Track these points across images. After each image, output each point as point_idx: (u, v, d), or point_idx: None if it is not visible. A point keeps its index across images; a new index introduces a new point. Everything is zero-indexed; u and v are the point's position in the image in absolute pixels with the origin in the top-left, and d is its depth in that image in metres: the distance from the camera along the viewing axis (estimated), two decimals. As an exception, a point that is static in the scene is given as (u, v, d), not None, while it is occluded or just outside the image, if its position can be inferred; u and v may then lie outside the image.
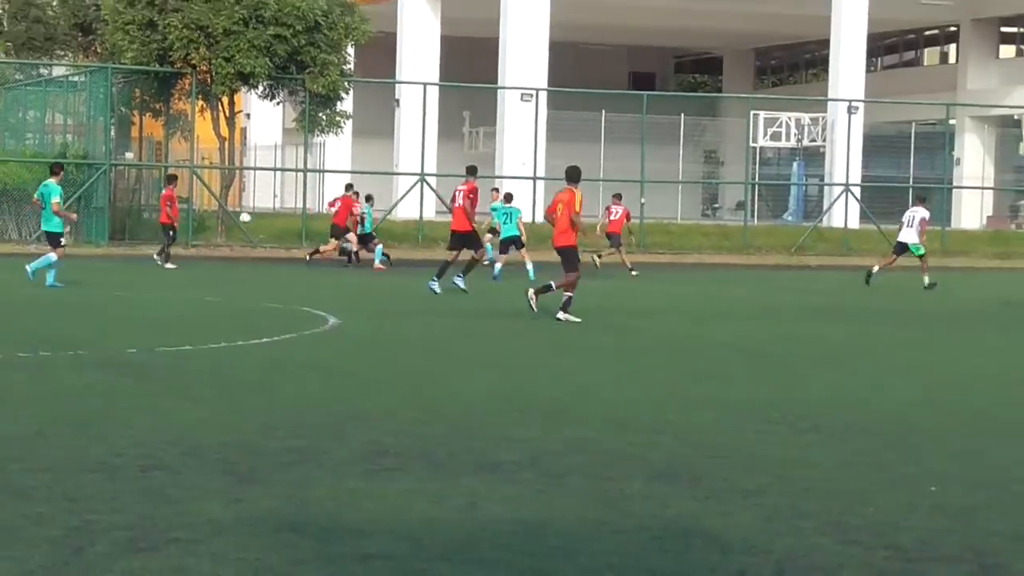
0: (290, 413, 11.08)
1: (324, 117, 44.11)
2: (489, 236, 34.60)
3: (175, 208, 33.05)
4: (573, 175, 19.96)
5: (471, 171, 25.79)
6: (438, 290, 23.77)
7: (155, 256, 32.62)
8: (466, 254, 24.75)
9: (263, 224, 44.81)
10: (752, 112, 53.07)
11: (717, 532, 7.53)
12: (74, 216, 24.43)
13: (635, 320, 20.89)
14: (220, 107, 43.79)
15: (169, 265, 31.76)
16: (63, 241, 24.85)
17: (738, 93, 69.09)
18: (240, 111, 47.15)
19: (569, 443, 10.07)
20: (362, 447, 9.64)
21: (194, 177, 45.18)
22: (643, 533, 7.49)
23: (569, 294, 19.43)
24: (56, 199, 24.68)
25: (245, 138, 60.49)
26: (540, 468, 9.09)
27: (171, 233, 32.79)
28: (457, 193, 24.87)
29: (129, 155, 50.48)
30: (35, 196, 26.26)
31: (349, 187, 37.73)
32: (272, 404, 11.61)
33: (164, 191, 33.81)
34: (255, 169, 56.03)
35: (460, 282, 24.14)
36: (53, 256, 24.33)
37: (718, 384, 13.71)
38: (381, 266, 34.16)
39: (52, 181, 25.16)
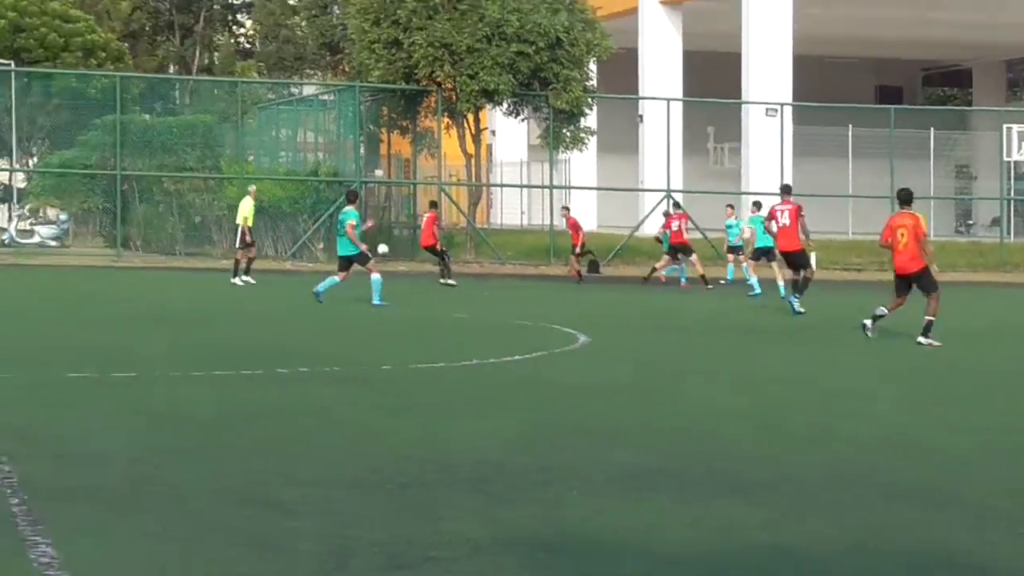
0: (544, 431, 11.08)
1: (568, 133, 44.22)
2: (731, 256, 34.49)
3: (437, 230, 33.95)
4: (906, 197, 19.33)
5: (786, 190, 25.25)
6: (799, 308, 23.46)
7: (440, 279, 32.97)
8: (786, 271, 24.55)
9: (510, 240, 45.09)
10: (1005, 126, 51.63)
11: (982, 562, 7.28)
12: (363, 246, 24.97)
13: (893, 339, 20.39)
14: (466, 124, 44.22)
15: (450, 281, 32.29)
16: (371, 259, 25.22)
17: (989, 106, 67.30)
18: (485, 128, 47.53)
19: (826, 465, 9.87)
20: (616, 466, 9.58)
21: (442, 194, 45.70)
22: (902, 559, 7.29)
23: (931, 318, 18.73)
24: (351, 222, 25.05)
25: (491, 155, 61.04)
26: (793, 490, 8.92)
27: (443, 252, 33.55)
28: (778, 212, 24.19)
29: (379, 172, 51.32)
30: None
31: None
32: (526, 422, 11.62)
33: (429, 214, 34.45)
34: (501, 186, 56.50)
35: (795, 303, 23.73)
36: (336, 278, 24.74)
37: (987, 408, 13.29)
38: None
39: (350, 208, 25.37)
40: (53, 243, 47.20)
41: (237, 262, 31.61)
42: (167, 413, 11.54)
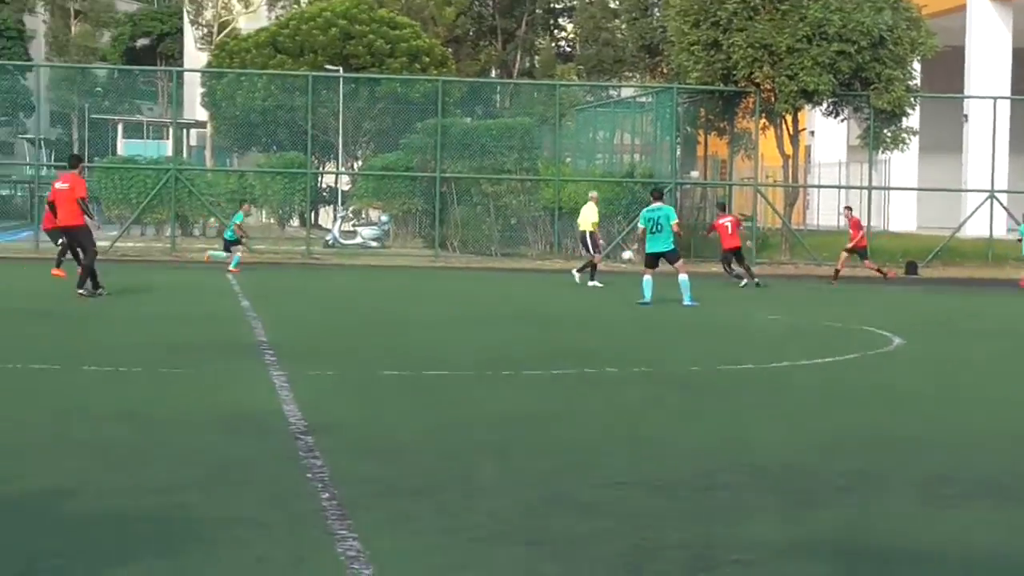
0: (852, 435, 10.87)
1: (889, 134, 43.40)
2: None
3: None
4: None
5: None
6: None
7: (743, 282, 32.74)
8: None
9: (826, 242, 44.42)
10: None
11: None
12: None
13: None
14: (783, 125, 43.79)
15: (743, 282, 32.14)
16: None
17: None
18: (803, 129, 46.99)
19: None
20: (925, 473, 9.33)
21: (757, 195, 45.32)
22: None
23: None
24: (674, 221, 25.12)
25: (809, 156, 60.26)
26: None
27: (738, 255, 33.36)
28: None
29: (694, 174, 51.21)
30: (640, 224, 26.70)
31: (849, 209, 37.25)
32: (833, 426, 11.42)
33: (731, 218, 34.27)
34: (819, 187, 55.70)
35: None
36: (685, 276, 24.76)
37: None
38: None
39: (660, 204, 25.32)
40: (374, 244, 48.43)
41: (594, 266, 31.74)
42: (475, 411, 11.69)
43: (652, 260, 25.04)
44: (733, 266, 33.41)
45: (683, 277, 24.66)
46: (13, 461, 8.89)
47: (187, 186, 45.33)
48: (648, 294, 24.30)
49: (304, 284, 30.62)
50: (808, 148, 59.37)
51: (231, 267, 34.40)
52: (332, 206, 54.58)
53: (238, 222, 36.08)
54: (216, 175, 50.87)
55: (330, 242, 48.92)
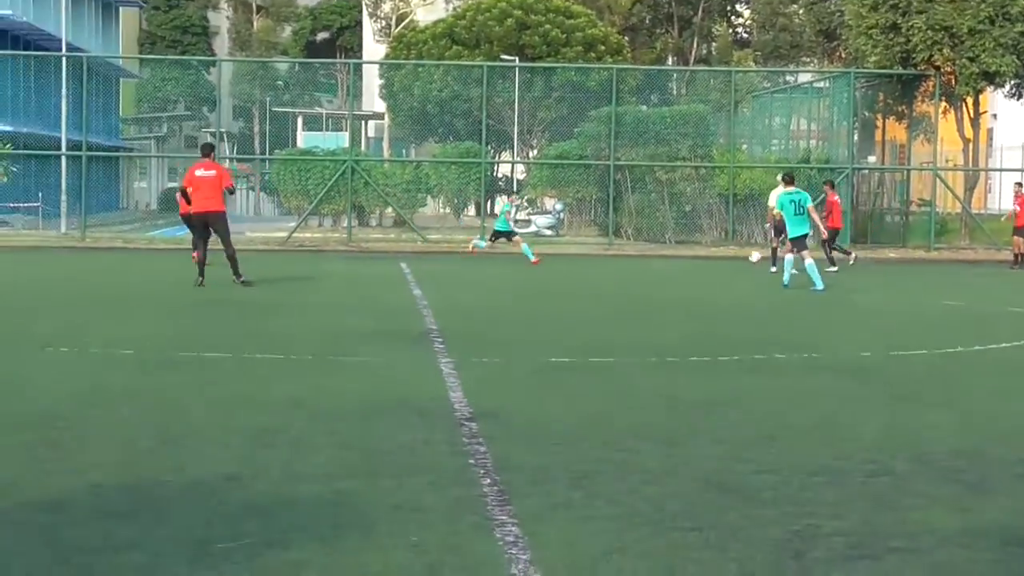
0: (1026, 422, 10.64)
1: (1075, 114, 42.40)
2: None
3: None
4: None
5: None
6: None
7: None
8: None
9: (1007, 226, 43.51)
10: None
11: None
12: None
13: None
14: (964, 108, 42.99)
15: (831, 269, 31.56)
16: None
17: None
18: (985, 112, 46.07)
19: None
20: (1102, 461, 9.09)
21: (937, 180, 44.54)
22: None
23: None
24: (809, 205, 25.18)
25: (991, 139, 59.05)
26: None
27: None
28: None
29: (872, 159, 50.49)
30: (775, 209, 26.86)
31: (1019, 185, 36.22)
32: (1008, 412, 11.18)
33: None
34: (1000, 170, 54.53)
35: None
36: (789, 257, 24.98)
37: None
38: None
39: (795, 188, 25.62)
40: (548, 232, 48.56)
41: (774, 251, 31.44)
42: (638, 398, 11.65)
43: (801, 242, 25.18)
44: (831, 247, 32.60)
45: (810, 262, 24.84)
46: (183, 449, 9.06)
47: (363, 177, 45.86)
48: (813, 277, 24.46)
49: (477, 272, 30.79)
50: (990, 131, 58.18)
51: (531, 259, 33.99)
52: (508, 195, 54.82)
53: (508, 211, 35.86)
54: (392, 166, 51.37)
55: (505, 231, 49.08)
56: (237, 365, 13.52)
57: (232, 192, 24.13)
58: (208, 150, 24.73)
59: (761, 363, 14.28)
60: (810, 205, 25.26)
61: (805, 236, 25.23)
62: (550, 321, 18.91)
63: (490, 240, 35.79)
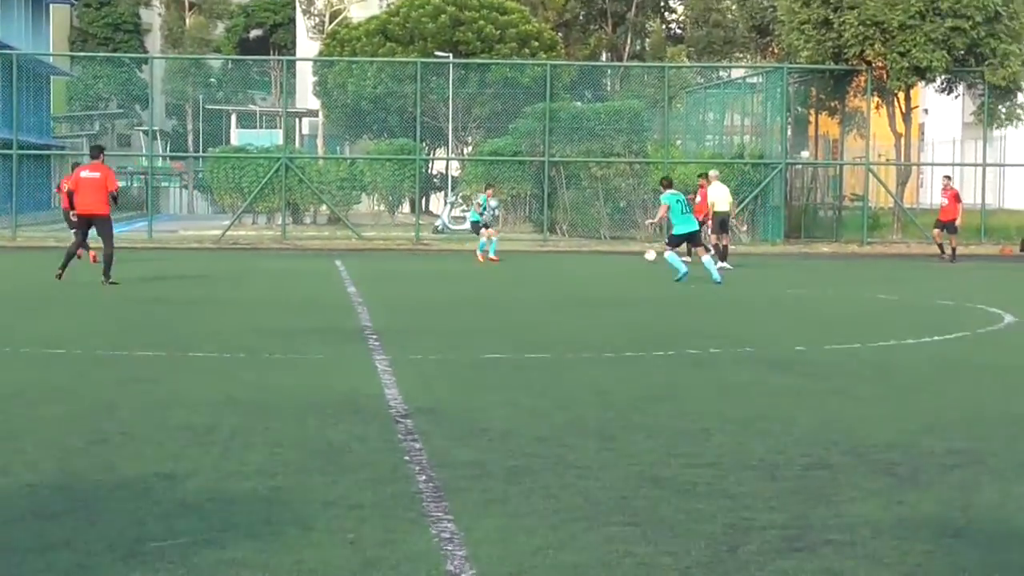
0: (958, 414, 10.70)
1: (1004, 110, 42.83)
2: None
3: None
4: None
5: None
6: None
7: None
8: None
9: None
10: None
11: None
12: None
13: None
14: (896, 103, 43.31)
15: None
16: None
17: None
18: (916, 107, 46.44)
19: None
20: (1033, 451, 9.17)
21: (869, 174, 44.85)
22: None
23: None
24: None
25: (922, 134, 59.53)
26: None
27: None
28: None
29: (805, 154, 50.78)
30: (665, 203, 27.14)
31: (948, 178, 36.50)
32: (940, 404, 11.27)
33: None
34: (932, 165, 55.00)
35: None
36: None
37: None
38: None
39: (672, 191, 26.48)
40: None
41: (716, 247, 31.18)
42: (574, 394, 11.65)
43: (694, 237, 26.13)
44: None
45: (707, 258, 26.12)
46: (116, 448, 8.99)
47: (297, 174, 45.68)
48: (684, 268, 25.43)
49: (412, 269, 30.75)
50: (921, 126, 58.67)
51: (490, 255, 33.56)
52: (443, 192, 54.76)
53: (484, 203, 35.10)
54: (327, 163, 51.22)
55: (440, 228, 49.07)
56: (170, 363, 13.43)
57: (115, 198, 23.98)
58: (97, 152, 24.81)
59: (695, 357, 14.33)
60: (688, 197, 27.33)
61: (696, 232, 26.09)
62: (486, 317, 18.91)
63: (480, 233, 34.62)
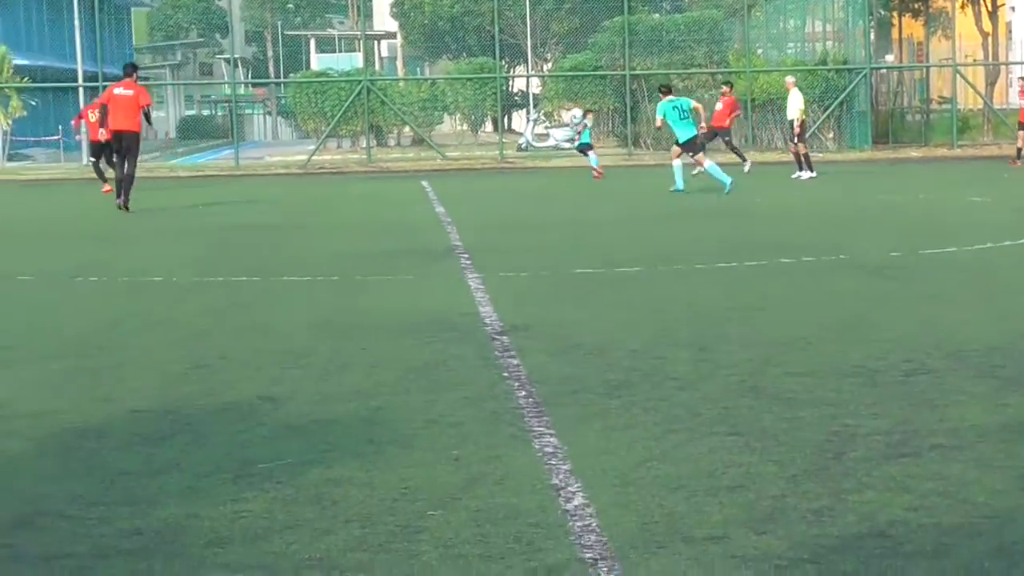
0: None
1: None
2: None
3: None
4: None
5: None
6: None
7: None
8: None
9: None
10: None
11: None
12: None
13: None
14: (982, 1, 42.57)
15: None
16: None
17: None
18: (1003, 3, 45.62)
19: None
20: None
21: (957, 76, 44.22)
22: None
23: None
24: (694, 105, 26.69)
25: (1010, 32, 58.50)
26: None
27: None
28: None
29: (889, 58, 50.15)
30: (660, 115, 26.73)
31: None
32: (1040, 306, 11.14)
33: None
34: (1022, 64, 54.09)
35: None
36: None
37: None
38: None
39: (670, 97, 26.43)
40: (567, 145, 48.36)
41: (797, 156, 30.82)
42: (667, 306, 11.62)
43: (693, 145, 25.97)
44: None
45: (709, 163, 25.88)
46: (217, 373, 9.07)
47: (379, 97, 45.67)
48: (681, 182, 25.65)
49: (498, 188, 30.71)
50: (1009, 24, 57.62)
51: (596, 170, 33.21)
52: (524, 110, 54.57)
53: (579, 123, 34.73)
54: (408, 84, 51.16)
55: (523, 146, 48.96)
56: (264, 288, 13.52)
57: (148, 115, 24.01)
58: (131, 70, 24.73)
59: (788, 267, 14.24)
60: (694, 105, 26.67)
61: (695, 139, 25.89)
62: (574, 233, 18.87)
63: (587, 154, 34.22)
